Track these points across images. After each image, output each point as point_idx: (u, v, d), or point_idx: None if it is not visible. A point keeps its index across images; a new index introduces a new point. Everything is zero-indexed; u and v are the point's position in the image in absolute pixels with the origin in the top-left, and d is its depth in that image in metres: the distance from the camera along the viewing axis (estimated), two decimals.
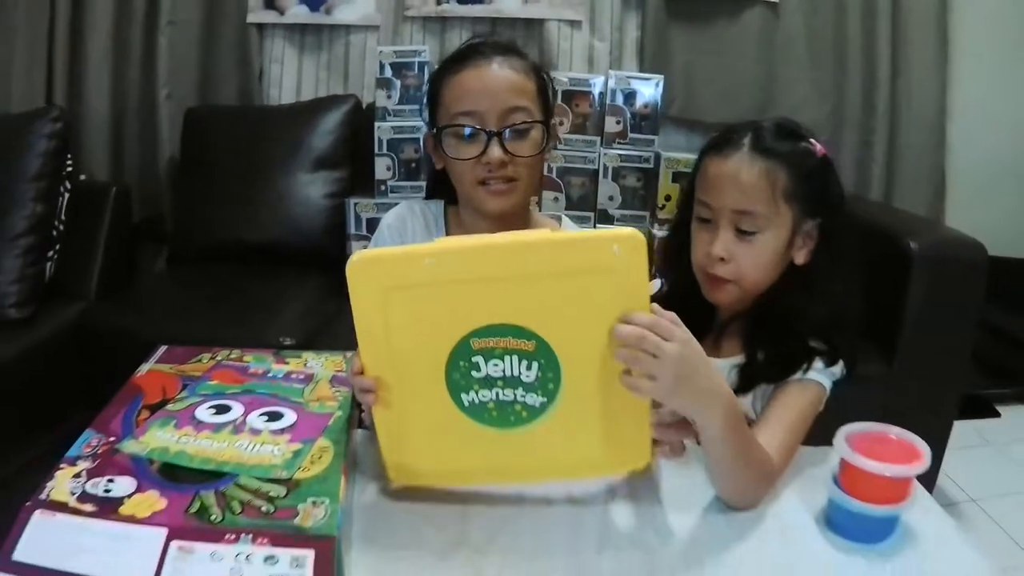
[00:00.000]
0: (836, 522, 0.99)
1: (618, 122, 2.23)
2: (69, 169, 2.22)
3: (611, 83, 2.23)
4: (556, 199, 2.25)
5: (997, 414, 2.83)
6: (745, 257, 1.13)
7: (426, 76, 2.25)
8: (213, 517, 0.78)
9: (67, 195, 2.21)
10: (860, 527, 0.96)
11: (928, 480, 2.05)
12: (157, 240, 2.70)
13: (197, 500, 0.80)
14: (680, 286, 1.24)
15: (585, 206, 2.26)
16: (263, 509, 0.79)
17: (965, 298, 1.98)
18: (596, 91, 2.25)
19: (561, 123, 2.22)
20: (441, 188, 1.34)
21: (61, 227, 2.19)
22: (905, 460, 0.94)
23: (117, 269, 2.31)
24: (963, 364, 2.07)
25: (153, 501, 0.79)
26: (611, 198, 2.25)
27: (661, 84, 2.25)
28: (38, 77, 2.69)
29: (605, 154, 2.23)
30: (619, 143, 2.24)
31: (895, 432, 1.00)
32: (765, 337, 1.16)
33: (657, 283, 1.36)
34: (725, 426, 0.94)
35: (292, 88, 2.87)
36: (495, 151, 1.18)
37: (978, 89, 2.90)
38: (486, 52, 1.22)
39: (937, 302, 1.95)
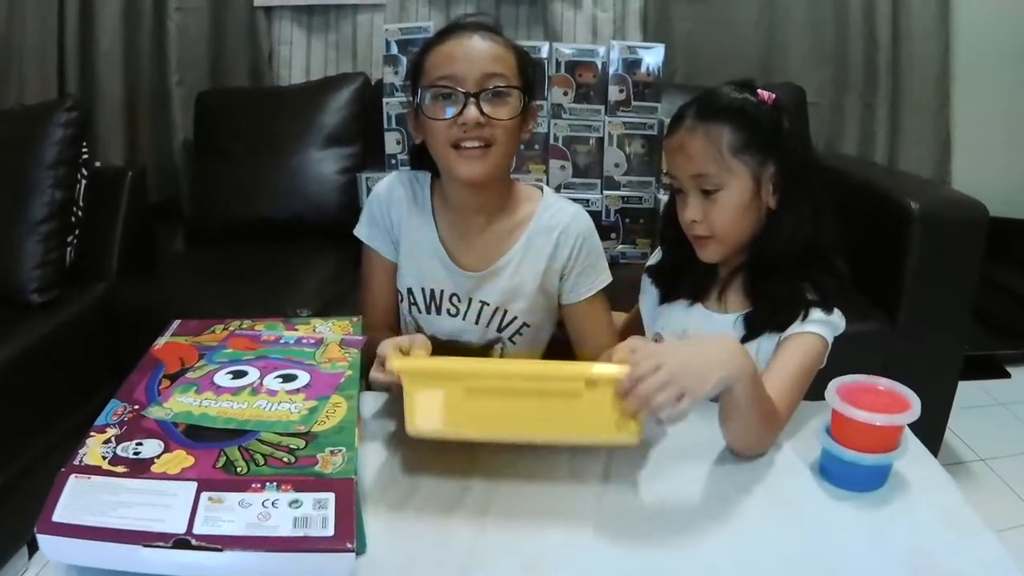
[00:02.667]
0: (829, 471, 1.02)
1: (621, 90, 2.25)
2: (85, 156, 2.23)
3: (614, 53, 2.24)
4: (563, 167, 2.26)
5: (1007, 375, 2.84)
6: (714, 214, 1.19)
7: None
8: (239, 469, 0.82)
9: (84, 181, 2.22)
10: (851, 475, 0.99)
11: (934, 437, 2.09)
12: (174, 221, 2.73)
13: (223, 455, 0.84)
14: (679, 250, 1.29)
15: (592, 173, 2.27)
16: (285, 460, 0.83)
17: (966, 257, 1.98)
18: (600, 61, 2.26)
19: (566, 93, 2.24)
20: (423, 161, 1.35)
21: (80, 212, 2.21)
22: (894, 410, 0.97)
23: (136, 251, 2.32)
24: (965, 323, 2.07)
25: (182, 459, 0.83)
26: (617, 165, 2.26)
27: (663, 53, 2.26)
28: (50, 67, 2.71)
29: (610, 122, 2.25)
30: (623, 111, 2.26)
31: (884, 383, 1.03)
32: (761, 286, 1.22)
33: (658, 253, 1.41)
34: (752, 383, 0.99)
35: (301, 68, 2.89)
36: (471, 111, 1.20)
37: (981, 50, 2.88)
38: (469, 27, 1.25)
39: (938, 261, 1.95)
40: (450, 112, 1.22)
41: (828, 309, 1.18)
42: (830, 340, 1.18)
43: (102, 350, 2.09)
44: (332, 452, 0.85)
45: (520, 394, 0.94)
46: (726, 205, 1.19)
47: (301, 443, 0.86)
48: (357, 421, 0.91)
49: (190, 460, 0.83)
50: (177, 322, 1.18)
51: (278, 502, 0.78)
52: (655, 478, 1.01)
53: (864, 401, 0.98)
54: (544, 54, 2.23)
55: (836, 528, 0.94)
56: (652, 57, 2.25)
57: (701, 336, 1.22)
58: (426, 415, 0.95)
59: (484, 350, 1.39)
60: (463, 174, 1.25)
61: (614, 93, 2.25)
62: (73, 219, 2.19)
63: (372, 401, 1.17)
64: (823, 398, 1.02)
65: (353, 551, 0.75)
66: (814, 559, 0.88)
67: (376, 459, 1.03)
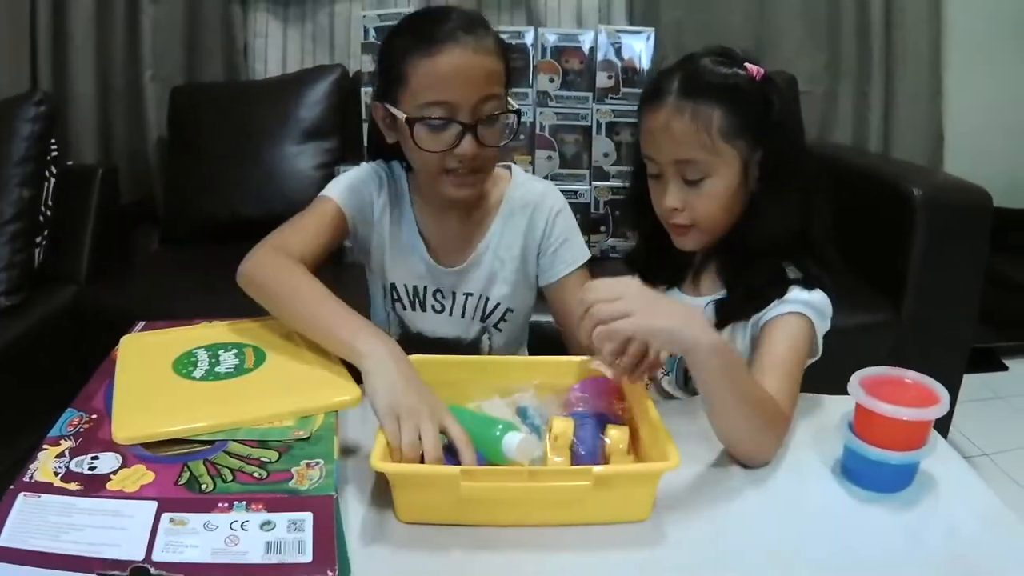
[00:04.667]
0: (852, 470, 0.96)
1: (610, 76, 2.19)
2: (54, 153, 2.18)
3: (601, 37, 2.19)
4: (550, 157, 2.20)
5: (1004, 367, 2.81)
6: (698, 203, 1.10)
7: None
8: (204, 486, 0.75)
9: (53, 180, 2.17)
10: (877, 474, 0.93)
11: (940, 431, 2.03)
12: (149, 221, 2.66)
13: (186, 470, 0.77)
14: (652, 235, 1.21)
15: (579, 164, 2.22)
16: (256, 475, 0.76)
17: (970, 244, 1.95)
18: (586, 46, 2.20)
19: (552, 80, 2.19)
20: (384, 154, 1.31)
21: (48, 212, 2.16)
22: (922, 404, 0.91)
23: (107, 252, 2.28)
24: (972, 312, 2.04)
25: (140, 474, 0.76)
26: (606, 155, 2.21)
27: (652, 37, 2.20)
28: (22, 64, 2.63)
29: (598, 109, 2.20)
30: (612, 98, 2.20)
31: (911, 376, 0.97)
32: (738, 270, 1.13)
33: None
34: (717, 355, 0.92)
35: (278, 62, 2.85)
36: (468, 145, 1.14)
37: (973, 38, 2.87)
38: (458, 35, 1.12)
39: (942, 249, 1.92)
40: (445, 143, 1.14)
41: (808, 288, 1.09)
42: (816, 322, 1.09)
43: (72, 356, 1.99)
44: (308, 465, 0.78)
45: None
46: (711, 195, 1.08)
47: (274, 455, 0.79)
48: (335, 428, 0.84)
49: (150, 476, 0.76)
50: (141, 324, 1.13)
51: (248, 524, 0.70)
52: (666, 486, 0.91)
53: (887, 395, 0.91)
54: (528, 40, 2.17)
55: (868, 534, 0.87)
56: (640, 43, 2.19)
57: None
58: (416, 509, 0.86)
59: (473, 345, 1.37)
60: (453, 196, 1.21)
61: (602, 79, 2.19)
62: (41, 219, 2.14)
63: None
64: (837, 391, 0.96)
65: None
66: (849, 569, 0.81)
67: (357, 470, 0.93)
